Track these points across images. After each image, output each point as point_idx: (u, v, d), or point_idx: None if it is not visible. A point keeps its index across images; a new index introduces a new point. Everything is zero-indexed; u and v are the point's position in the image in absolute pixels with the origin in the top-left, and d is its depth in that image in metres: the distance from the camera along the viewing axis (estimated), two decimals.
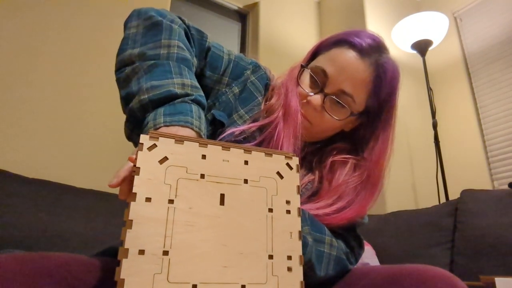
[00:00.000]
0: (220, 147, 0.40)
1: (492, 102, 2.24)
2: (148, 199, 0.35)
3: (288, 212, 0.39)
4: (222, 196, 0.37)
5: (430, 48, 2.14)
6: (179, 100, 0.52)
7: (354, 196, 0.64)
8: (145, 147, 0.37)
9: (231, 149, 0.40)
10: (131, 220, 0.34)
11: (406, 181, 2.20)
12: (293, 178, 0.41)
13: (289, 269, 0.37)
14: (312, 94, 0.65)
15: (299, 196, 0.40)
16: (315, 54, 0.71)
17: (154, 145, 0.37)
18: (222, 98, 0.66)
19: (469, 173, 2.21)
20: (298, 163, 0.42)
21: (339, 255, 0.61)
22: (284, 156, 0.42)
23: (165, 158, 0.37)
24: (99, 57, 1.80)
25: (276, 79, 0.74)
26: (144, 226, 0.34)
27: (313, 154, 0.71)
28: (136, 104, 0.52)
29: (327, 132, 0.70)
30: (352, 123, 0.71)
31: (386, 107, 0.68)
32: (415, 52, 2.16)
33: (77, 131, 1.68)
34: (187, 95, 0.53)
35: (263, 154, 0.41)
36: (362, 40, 0.64)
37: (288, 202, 0.40)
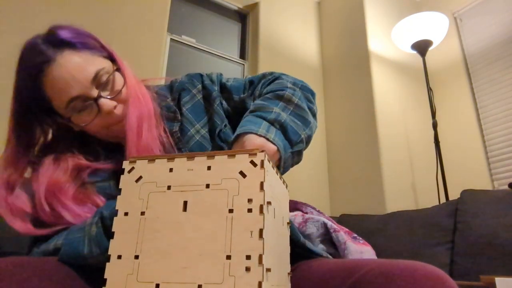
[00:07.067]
0: (185, 158, 0.43)
1: (492, 102, 2.24)
2: (126, 214, 0.42)
3: (250, 210, 0.39)
4: (185, 203, 0.41)
5: (430, 48, 2.13)
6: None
7: None
8: (126, 171, 0.44)
9: (195, 158, 0.43)
10: (113, 232, 0.42)
11: (406, 181, 2.20)
12: (257, 175, 0.40)
13: (247, 269, 0.36)
14: (92, 119, 0.66)
15: (263, 192, 0.39)
16: (40, 105, 0.70)
17: (133, 168, 0.44)
18: None
19: (469, 173, 2.21)
20: (264, 158, 0.41)
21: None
22: (247, 154, 0.41)
23: (140, 177, 0.43)
24: None
25: None
26: (123, 236, 0.41)
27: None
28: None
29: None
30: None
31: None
32: (415, 52, 2.16)
33: None
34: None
35: (226, 156, 0.42)
36: (39, 56, 0.67)
37: (250, 200, 0.39)
